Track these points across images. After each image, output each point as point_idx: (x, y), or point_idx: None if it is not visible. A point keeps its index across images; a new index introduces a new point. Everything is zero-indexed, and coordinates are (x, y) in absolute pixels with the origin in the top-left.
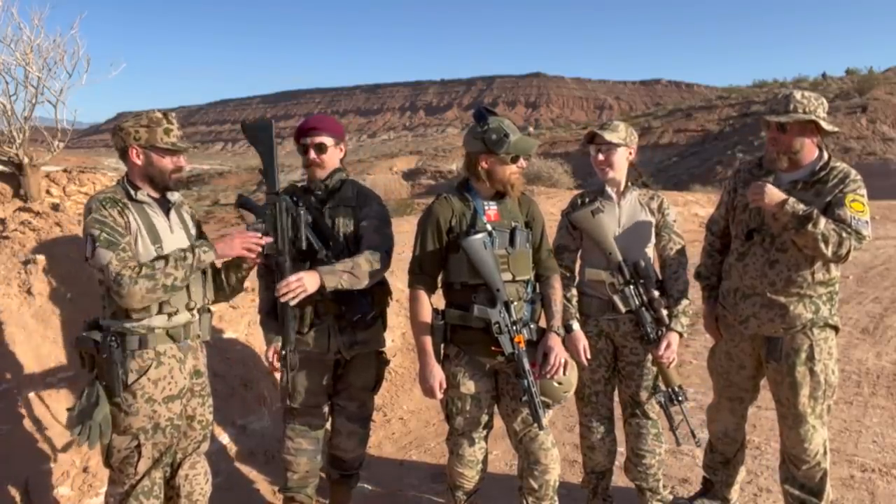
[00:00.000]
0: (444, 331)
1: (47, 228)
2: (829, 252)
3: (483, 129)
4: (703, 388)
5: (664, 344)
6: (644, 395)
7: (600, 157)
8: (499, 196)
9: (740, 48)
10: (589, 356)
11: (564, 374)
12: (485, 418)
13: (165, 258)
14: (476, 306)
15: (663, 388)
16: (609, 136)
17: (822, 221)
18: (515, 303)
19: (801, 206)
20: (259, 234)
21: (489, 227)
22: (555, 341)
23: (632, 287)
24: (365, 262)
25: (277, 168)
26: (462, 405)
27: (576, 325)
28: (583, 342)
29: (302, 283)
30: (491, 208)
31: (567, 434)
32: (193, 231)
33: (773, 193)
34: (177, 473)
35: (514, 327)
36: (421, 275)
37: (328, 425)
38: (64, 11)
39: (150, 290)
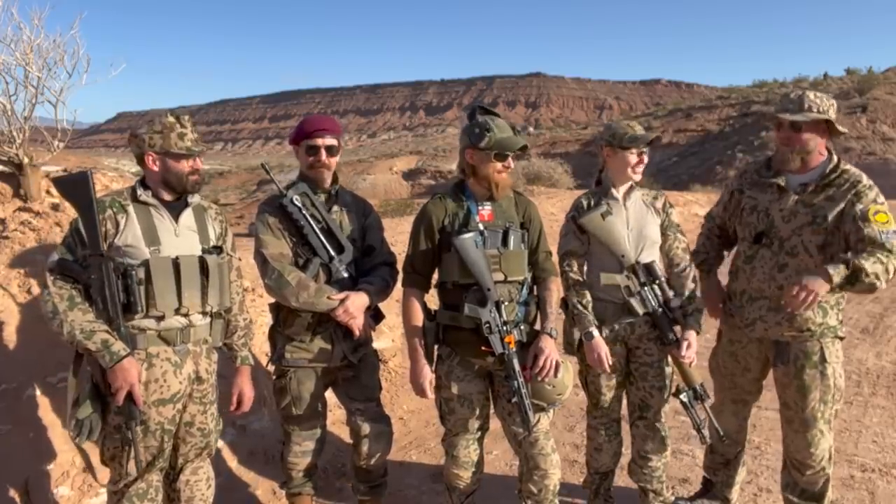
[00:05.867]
0: (437, 331)
1: (47, 228)
2: (883, 285)
3: (471, 124)
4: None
5: (685, 344)
6: (656, 396)
7: (637, 160)
8: (493, 197)
9: (740, 48)
10: (611, 362)
11: (556, 376)
12: (478, 420)
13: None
14: (467, 305)
15: (686, 387)
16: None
17: (867, 265)
18: (507, 303)
19: (841, 269)
20: None
21: (481, 226)
22: (546, 343)
23: (647, 289)
24: (392, 281)
25: (99, 224)
26: (453, 406)
27: (596, 333)
28: (604, 350)
29: (357, 310)
30: (485, 208)
31: (567, 434)
32: (214, 235)
33: (818, 284)
34: (178, 478)
35: (505, 327)
36: (413, 274)
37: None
38: (64, 11)
39: (44, 303)
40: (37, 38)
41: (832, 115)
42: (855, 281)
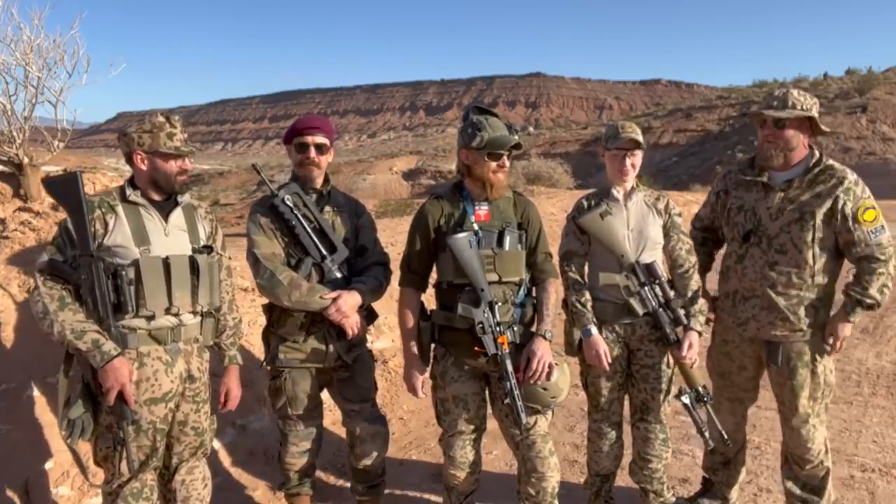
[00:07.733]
0: (432, 331)
1: (47, 228)
2: (885, 300)
3: (465, 124)
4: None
5: (686, 344)
6: (657, 398)
7: (628, 162)
8: (489, 197)
9: (740, 48)
10: (610, 360)
11: (549, 379)
12: (473, 420)
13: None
14: (460, 305)
15: (688, 389)
16: (639, 138)
17: (875, 292)
18: (501, 304)
19: (858, 311)
20: None
21: (476, 227)
22: (539, 345)
23: (647, 289)
24: (385, 281)
25: (89, 224)
26: (448, 406)
27: (594, 330)
28: (602, 347)
29: (350, 310)
30: (481, 209)
31: (567, 434)
32: (204, 235)
33: (846, 331)
34: (174, 478)
35: (498, 328)
36: (409, 273)
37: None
38: (64, 11)
39: (34, 303)
40: (37, 38)
41: (815, 112)
42: (870, 309)
